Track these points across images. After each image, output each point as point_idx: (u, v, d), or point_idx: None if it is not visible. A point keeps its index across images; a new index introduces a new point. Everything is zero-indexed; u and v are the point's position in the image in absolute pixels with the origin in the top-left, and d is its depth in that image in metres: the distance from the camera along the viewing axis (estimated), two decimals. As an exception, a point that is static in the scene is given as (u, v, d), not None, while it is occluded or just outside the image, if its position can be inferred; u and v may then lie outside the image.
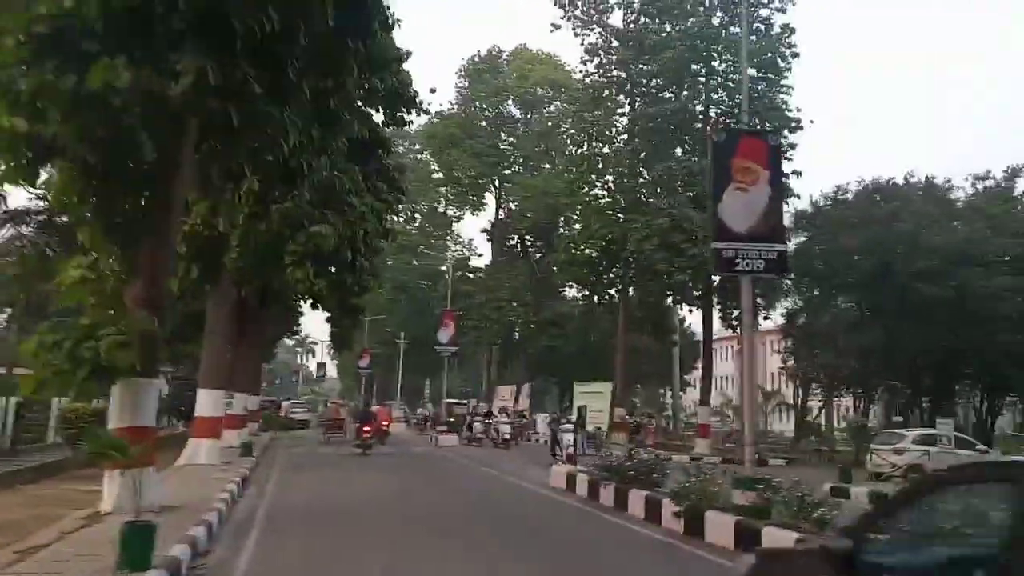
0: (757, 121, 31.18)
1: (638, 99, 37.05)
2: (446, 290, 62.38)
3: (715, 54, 33.44)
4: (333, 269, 23.90)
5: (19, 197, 33.01)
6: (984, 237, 25.44)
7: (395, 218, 29.01)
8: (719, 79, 33.03)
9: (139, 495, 9.17)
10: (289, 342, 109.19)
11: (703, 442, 30.45)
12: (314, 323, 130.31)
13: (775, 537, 7.94)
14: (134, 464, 8.88)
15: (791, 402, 59.68)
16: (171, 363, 29.27)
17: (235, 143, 9.48)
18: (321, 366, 73.24)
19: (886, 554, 3.63)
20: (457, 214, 67.30)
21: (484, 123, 52.50)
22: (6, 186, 12.22)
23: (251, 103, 8.95)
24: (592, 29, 37.81)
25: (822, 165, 71.41)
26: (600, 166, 37.40)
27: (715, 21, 33.84)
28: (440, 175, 59.48)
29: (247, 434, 25.29)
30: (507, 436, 29.76)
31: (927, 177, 30.71)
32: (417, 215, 65.95)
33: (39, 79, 7.83)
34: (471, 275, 61.51)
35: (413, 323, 61.45)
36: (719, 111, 32.62)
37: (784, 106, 30.40)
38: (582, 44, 37.52)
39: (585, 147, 38.93)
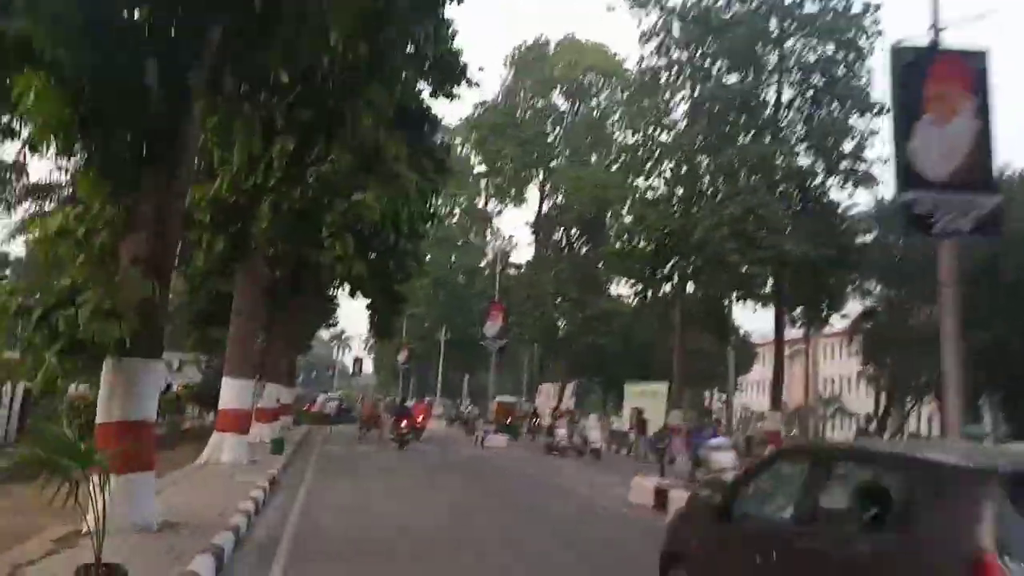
0: (837, 103, 28.49)
1: (700, 83, 34.39)
2: (485, 286, 60.58)
3: (787, 33, 30.67)
4: (374, 255, 22.02)
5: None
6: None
7: (439, 201, 26.86)
8: (792, 60, 30.13)
9: (131, 508, 7.06)
10: (325, 336, 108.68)
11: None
12: (351, 318, 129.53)
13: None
14: (122, 469, 6.80)
15: (850, 410, 56.82)
16: (202, 349, 27.59)
17: (263, 35, 7.25)
18: (357, 361, 71.60)
19: (745, 506, 5.44)
20: (498, 208, 65.46)
21: (530, 112, 50.25)
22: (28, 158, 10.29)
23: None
24: (650, 9, 35.31)
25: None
26: (657, 154, 34.79)
27: (787, -1, 31.07)
28: (482, 167, 57.53)
29: (280, 428, 23.40)
30: (597, 445, 26.00)
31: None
32: (456, 209, 64.29)
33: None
34: (512, 270, 59.58)
35: (451, 319, 59.68)
36: (793, 94, 29.81)
37: (866, 89, 27.50)
38: (639, 26, 35.01)
39: (641, 135, 36.36)
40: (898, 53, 7.63)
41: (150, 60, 7.49)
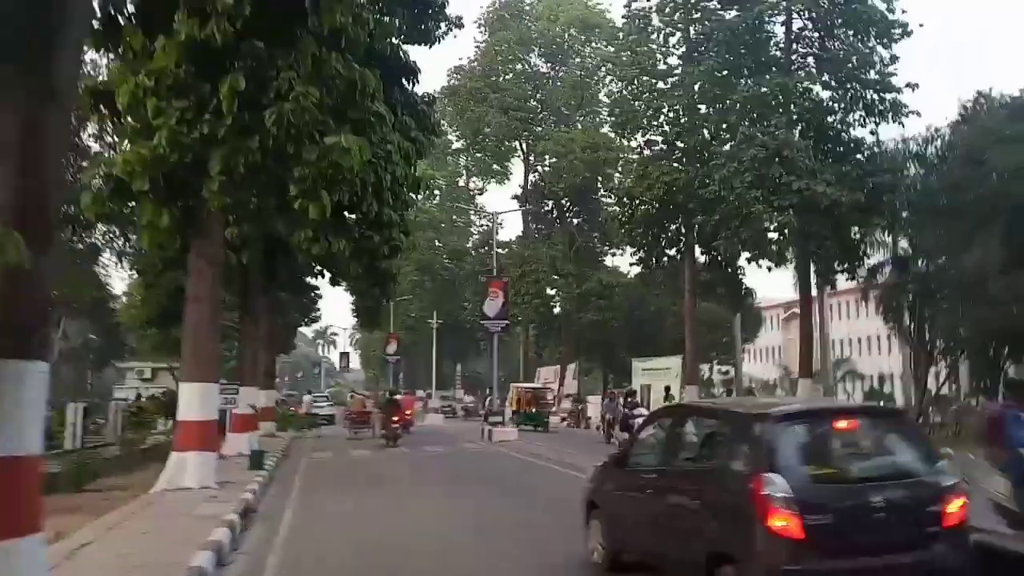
0: (851, 31, 25.72)
1: (696, 23, 31.53)
2: (474, 268, 57.57)
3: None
4: (358, 234, 19.09)
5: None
6: None
7: (424, 164, 23.86)
8: None
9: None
10: (308, 333, 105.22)
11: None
12: (335, 312, 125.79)
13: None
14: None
15: (860, 372, 54.56)
16: (164, 354, 24.54)
17: None
18: (344, 356, 68.31)
19: (634, 456, 7.25)
20: (480, 186, 62.50)
21: (510, 76, 47.03)
22: None
23: None
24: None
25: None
26: (655, 104, 31.95)
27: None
28: (460, 144, 54.38)
29: (259, 437, 20.45)
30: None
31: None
32: (436, 191, 61.35)
33: None
34: (501, 249, 56.80)
35: (440, 305, 56.83)
36: (802, 24, 26.91)
37: (886, 7, 24.65)
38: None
39: (634, 85, 33.44)
40: None
41: None
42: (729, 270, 33.04)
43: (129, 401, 27.28)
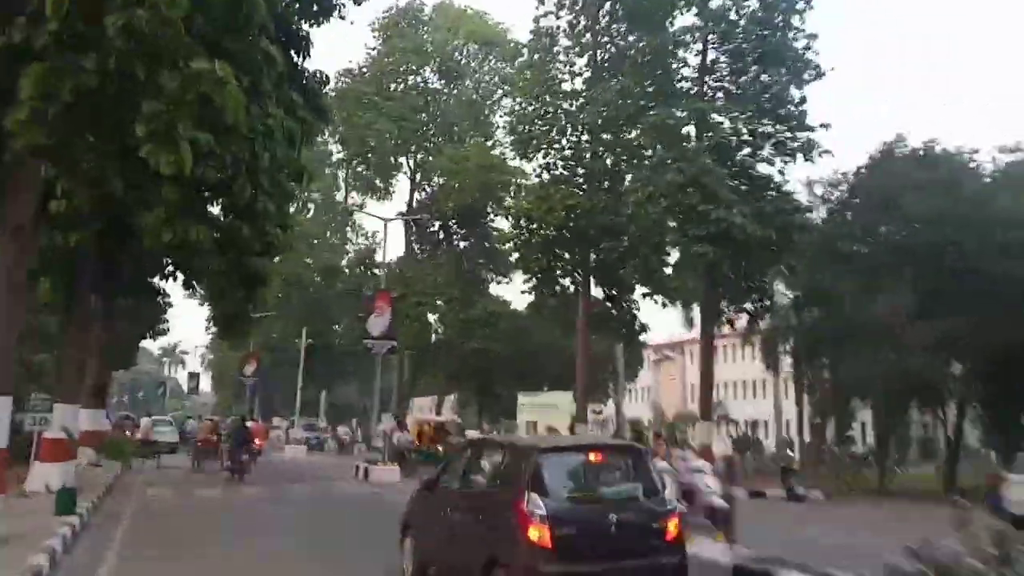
0: (764, 69, 25.16)
1: (608, 47, 30.43)
2: (347, 288, 53.73)
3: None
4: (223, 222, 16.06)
5: None
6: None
7: (307, 153, 20.73)
8: (714, 20, 26.22)
9: None
10: (155, 350, 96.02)
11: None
12: (185, 327, 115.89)
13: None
14: None
15: (732, 417, 55.08)
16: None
17: None
18: (193, 376, 61.69)
19: (442, 481, 8.06)
20: (359, 201, 59.03)
21: (402, 86, 44.34)
22: None
23: None
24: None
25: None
26: (559, 125, 30.33)
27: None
28: (340, 155, 50.87)
29: (81, 467, 16.34)
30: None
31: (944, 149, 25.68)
32: (311, 204, 57.37)
33: None
34: (380, 270, 53.52)
35: (306, 327, 52.57)
36: (717, 54, 26.15)
37: (802, 49, 24.25)
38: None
39: (536, 104, 31.75)
40: None
41: None
42: (624, 304, 31.87)
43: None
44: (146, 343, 54.77)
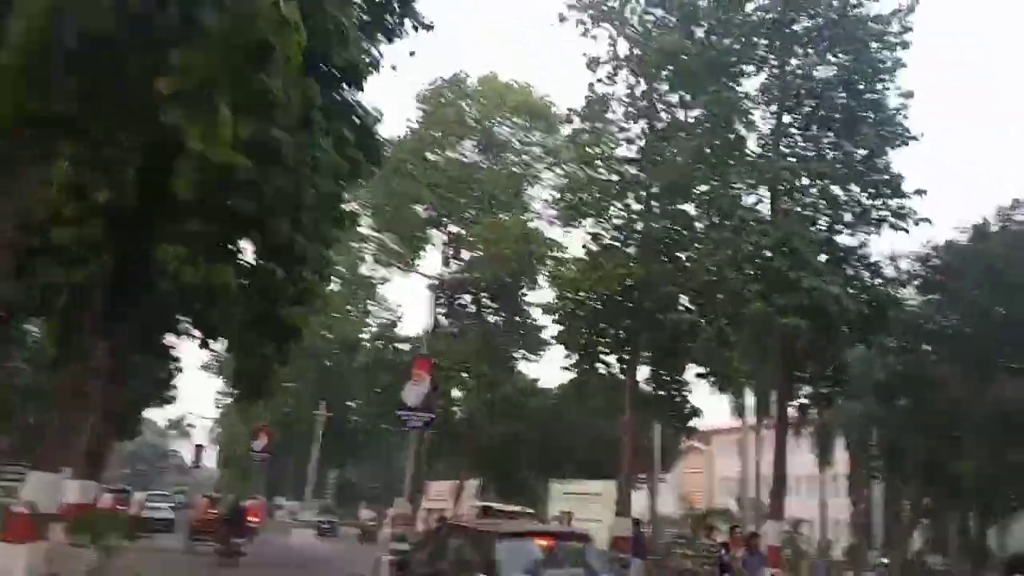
0: (849, 132, 23.03)
1: (662, 115, 28.79)
2: (367, 360, 51.16)
3: (773, 52, 25.29)
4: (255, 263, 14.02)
5: None
6: None
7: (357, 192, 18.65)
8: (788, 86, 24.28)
9: None
10: (160, 422, 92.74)
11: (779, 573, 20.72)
12: (193, 399, 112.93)
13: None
14: None
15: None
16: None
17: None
18: (198, 448, 58.47)
19: (414, 564, 10.06)
20: (383, 275, 57.31)
21: (442, 157, 43.38)
22: None
23: None
24: (603, 24, 29.62)
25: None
26: (612, 191, 28.38)
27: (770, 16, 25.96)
28: (368, 226, 49.35)
29: (54, 550, 13.50)
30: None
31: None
32: (335, 279, 55.81)
33: None
34: (400, 345, 51.17)
35: (321, 402, 49.93)
36: (792, 118, 24.04)
37: (894, 109, 22.21)
38: (589, 34, 29.06)
39: (584, 171, 29.98)
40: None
41: None
42: (675, 386, 29.06)
43: None
44: (151, 415, 52.18)
